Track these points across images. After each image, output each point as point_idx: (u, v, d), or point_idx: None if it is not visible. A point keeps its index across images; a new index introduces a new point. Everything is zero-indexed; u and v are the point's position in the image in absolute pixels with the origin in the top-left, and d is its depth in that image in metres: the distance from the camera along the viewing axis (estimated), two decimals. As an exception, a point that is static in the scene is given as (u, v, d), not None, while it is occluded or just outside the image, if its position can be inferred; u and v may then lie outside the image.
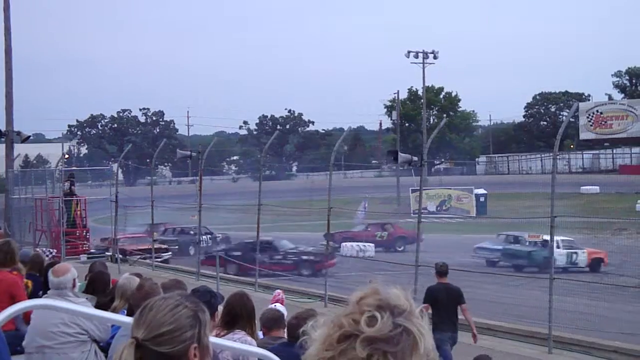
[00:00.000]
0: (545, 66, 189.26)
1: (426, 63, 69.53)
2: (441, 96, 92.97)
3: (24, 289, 7.64)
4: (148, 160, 37.50)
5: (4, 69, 26.24)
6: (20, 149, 29.73)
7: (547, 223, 14.15)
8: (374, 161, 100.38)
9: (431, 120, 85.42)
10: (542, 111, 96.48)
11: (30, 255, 9.68)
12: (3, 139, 26.47)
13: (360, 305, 1.49)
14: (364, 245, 35.88)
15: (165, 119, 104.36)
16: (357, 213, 44.34)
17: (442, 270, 11.53)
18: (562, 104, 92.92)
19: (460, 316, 11.24)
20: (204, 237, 37.78)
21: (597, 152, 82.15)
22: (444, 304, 11.01)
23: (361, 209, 47.04)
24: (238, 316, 5.44)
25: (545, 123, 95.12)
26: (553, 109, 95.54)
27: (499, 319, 16.04)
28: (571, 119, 60.44)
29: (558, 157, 16.73)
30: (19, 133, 26.39)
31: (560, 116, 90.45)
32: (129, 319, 2.47)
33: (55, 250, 22.75)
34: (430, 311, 10.64)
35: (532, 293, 20.21)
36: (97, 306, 6.20)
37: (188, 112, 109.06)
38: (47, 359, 5.54)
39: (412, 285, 14.39)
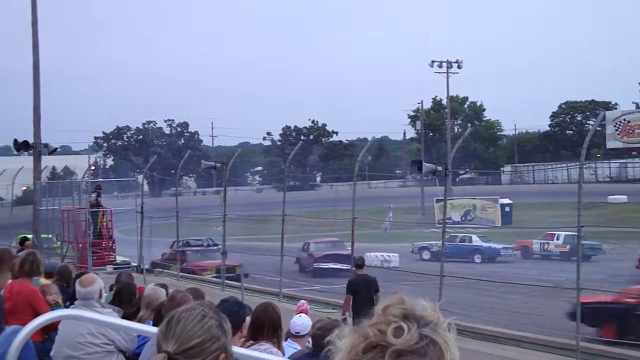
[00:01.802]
0: (571, 75, 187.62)
1: (450, 72, 69.42)
2: (465, 105, 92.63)
3: (44, 299, 7.69)
4: (173, 171, 37.64)
5: (32, 83, 26.53)
6: (47, 160, 30.00)
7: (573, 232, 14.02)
8: (398, 171, 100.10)
9: (455, 130, 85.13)
10: (568, 120, 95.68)
11: (58, 267, 9.75)
12: (31, 151, 26.74)
13: (386, 315, 1.49)
14: (389, 256, 35.81)
15: (189, 130, 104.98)
16: (384, 223, 44.41)
17: (359, 264, 13.34)
18: (588, 113, 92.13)
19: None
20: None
21: (624, 161, 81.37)
22: (363, 293, 12.34)
23: (387, 218, 47.05)
24: (263, 327, 5.43)
25: (571, 132, 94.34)
26: (579, 118, 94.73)
27: (523, 329, 15.90)
28: (598, 128, 59.90)
29: (584, 166, 16.58)
30: (46, 145, 26.64)
31: (587, 125, 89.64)
32: (155, 329, 2.49)
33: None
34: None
35: (556, 303, 20.01)
36: (123, 317, 6.24)
37: (212, 123, 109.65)
38: (74, 370, 5.58)
39: (442, 298, 14.32)
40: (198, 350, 2.16)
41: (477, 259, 38.30)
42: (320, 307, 18.62)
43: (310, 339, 5.99)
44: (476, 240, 40.78)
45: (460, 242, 39.28)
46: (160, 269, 27.71)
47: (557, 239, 38.26)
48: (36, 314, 7.03)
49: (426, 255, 38.47)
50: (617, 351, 13.53)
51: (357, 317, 10.74)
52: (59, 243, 28.76)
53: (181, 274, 25.77)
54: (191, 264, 29.49)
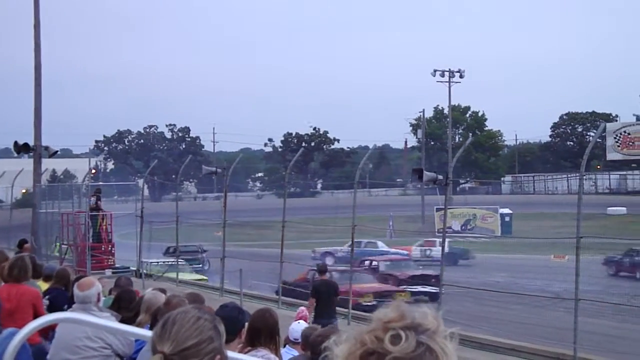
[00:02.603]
0: (572, 86, 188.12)
1: (452, 82, 69.50)
2: (467, 115, 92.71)
3: (43, 304, 7.71)
4: (174, 176, 37.75)
5: (34, 85, 26.52)
6: (47, 163, 29.93)
7: (573, 243, 14.01)
8: (398, 179, 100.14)
9: (457, 139, 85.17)
10: (569, 131, 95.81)
11: (56, 270, 9.72)
12: (31, 154, 26.72)
13: (383, 322, 1.48)
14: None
15: (191, 135, 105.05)
16: (387, 232, 44.73)
17: (322, 270, 14.52)
18: (589, 124, 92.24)
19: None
20: (203, 255, 38.16)
21: (624, 172, 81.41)
22: (325, 296, 13.36)
23: (388, 227, 47.22)
24: (260, 333, 5.42)
25: (571, 143, 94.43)
26: (580, 129, 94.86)
27: (523, 340, 15.87)
28: (598, 140, 59.98)
29: (585, 177, 16.58)
30: (47, 148, 26.61)
31: (587, 136, 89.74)
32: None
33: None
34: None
35: (556, 314, 20.00)
36: (122, 321, 6.22)
37: (214, 128, 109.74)
38: (71, 373, 5.57)
39: (443, 307, 14.34)
40: (194, 351, 2.18)
41: None
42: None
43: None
44: (382, 246, 41.73)
45: (364, 247, 38.89)
46: (159, 274, 27.67)
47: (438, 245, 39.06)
48: (37, 315, 7.04)
49: (329, 260, 36.16)
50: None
51: (318, 317, 12.59)
52: (55, 245, 28.71)
53: (180, 278, 25.74)
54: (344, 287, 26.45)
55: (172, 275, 25.34)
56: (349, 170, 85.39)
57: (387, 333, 1.45)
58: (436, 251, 38.91)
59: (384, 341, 1.44)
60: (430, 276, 25.62)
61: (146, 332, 3.06)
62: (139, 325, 6.07)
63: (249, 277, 25.28)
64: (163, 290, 7.10)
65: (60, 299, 8.41)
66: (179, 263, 27.95)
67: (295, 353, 6.47)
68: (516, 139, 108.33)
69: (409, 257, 37.05)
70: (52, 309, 7.66)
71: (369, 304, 20.86)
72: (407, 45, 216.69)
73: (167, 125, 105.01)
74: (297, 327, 7.10)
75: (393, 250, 41.22)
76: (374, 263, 29.94)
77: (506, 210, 57.38)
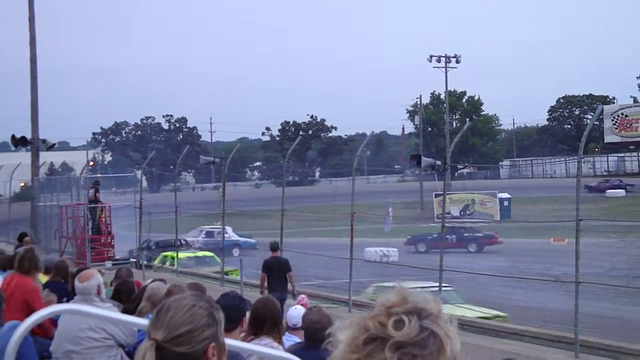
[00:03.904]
0: (569, 69, 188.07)
1: (448, 67, 69.39)
2: (464, 100, 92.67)
3: (42, 299, 7.64)
4: (172, 167, 37.78)
5: (30, 78, 26.46)
6: (45, 156, 29.96)
7: (572, 227, 14.03)
8: (396, 166, 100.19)
9: (454, 125, 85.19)
10: (566, 114, 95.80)
11: (55, 262, 9.70)
12: (29, 147, 26.70)
13: (386, 308, 1.48)
14: (388, 250, 35.81)
15: (188, 125, 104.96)
16: (387, 219, 44.51)
17: (274, 247, 15.63)
18: (586, 107, 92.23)
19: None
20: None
21: (622, 155, 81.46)
22: (276, 272, 14.64)
23: (387, 213, 47.14)
24: (264, 322, 5.43)
25: (569, 126, 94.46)
26: (577, 112, 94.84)
27: (525, 324, 15.91)
28: (596, 122, 60.01)
29: (583, 160, 16.58)
30: (44, 141, 26.60)
31: (585, 119, 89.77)
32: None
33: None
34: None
35: (559, 298, 20.03)
36: (123, 312, 6.23)
37: (211, 118, 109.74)
38: (74, 364, 5.58)
39: (442, 292, 14.43)
40: (187, 338, 2.16)
41: (235, 252, 37.99)
42: (319, 301, 18.59)
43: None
44: (233, 235, 41.34)
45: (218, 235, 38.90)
46: (160, 264, 27.70)
47: None
48: (30, 311, 7.03)
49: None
50: (614, 344, 13.54)
51: (271, 291, 13.82)
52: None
53: (180, 269, 25.77)
54: None
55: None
56: (346, 158, 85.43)
57: (390, 318, 1.45)
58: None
59: (387, 326, 1.44)
60: None
61: (146, 322, 3.06)
62: (140, 313, 6.08)
63: (247, 267, 25.37)
64: (162, 281, 7.13)
65: (60, 291, 8.40)
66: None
67: (296, 339, 6.47)
68: (514, 123, 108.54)
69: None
70: (51, 302, 7.65)
71: None
72: (403, 31, 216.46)
73: (164, 116, 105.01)
74: (295, 313, 7.09)
75: (243, 239, 41.40)
76: None
77: (505, 195, 57.43)
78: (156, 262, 28.05)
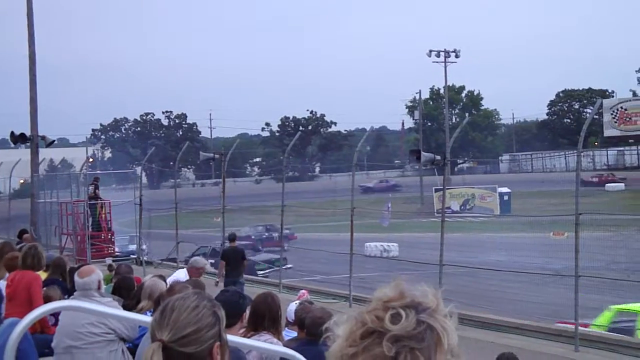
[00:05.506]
0: (568, 63, 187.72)
1: (448, 62, 69.32)
2: (463, 95, 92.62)
3: (41, 290, 7.72)
4: (171, 163, 37.69)
5: (28, 74, 26.46)
6: (45, 153, 29.96)
7: (571, 220, 14.04)
8: (396, 161, 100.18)
9: (453, 119, 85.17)
10: (566, 108, 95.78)
11: (53, 259, 9.68)
12: (28, 144, 26.70)
13: (383, 302, 1.49)
14: (388, 245, 35.81)
15: (188, 121, 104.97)
16: (382, 213, 44.34)
17: (232, 238, 17.20)
18: (585, 101, 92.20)
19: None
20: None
21: (621, 148, 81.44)
22: (233, 260, 15.85)
23: (385, 209, 47.05)
24: (263, 317, 5.44)
25: (568, 120, 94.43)
26: (576, 106, 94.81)
27: (525, 318, 15.93)
28: (595, 116, 60.00)
29: (582, 154, 16.57)
30: (43, 137, 26.60)
31: (584, 113, 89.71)
32: (153, 319, 2.48)
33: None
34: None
35: (558, 291, 20.06)
36: (123, 308, 6.25)
37: (210, 114, 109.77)
38: (75, 359, 5.59)
39: (442, 286, 14.38)
40: (193, 338, 2.17)
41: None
42: (320, 297, 18.62)
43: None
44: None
45: None
46: (159, 261, 27.69)
47: None
48: (31, 299, 7.07)
49: None
50: (614, 337, 13.58)
51: (227, 277, 15.50)
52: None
53: (180, 266, 25.76)
54: None
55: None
56: (346, 153, 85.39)
57: (387, 312, 1.45)
58: None
59: (384, 320, 1.44)
60: None
61: (147, 318, 3.07)
62: (141, 311, 6.10)
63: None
64: (161, 277, 7.14)
65: (58, 288, 8.42)
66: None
67: (295, 334, 6.50)
68: (513, 118, 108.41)
69: None
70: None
71: None
72: (403, 26, 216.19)
73: (163, 112, 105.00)
74: (295, 308, 7.10)
75: None
76: None
77: (505, 189, 57.43)
78: None
